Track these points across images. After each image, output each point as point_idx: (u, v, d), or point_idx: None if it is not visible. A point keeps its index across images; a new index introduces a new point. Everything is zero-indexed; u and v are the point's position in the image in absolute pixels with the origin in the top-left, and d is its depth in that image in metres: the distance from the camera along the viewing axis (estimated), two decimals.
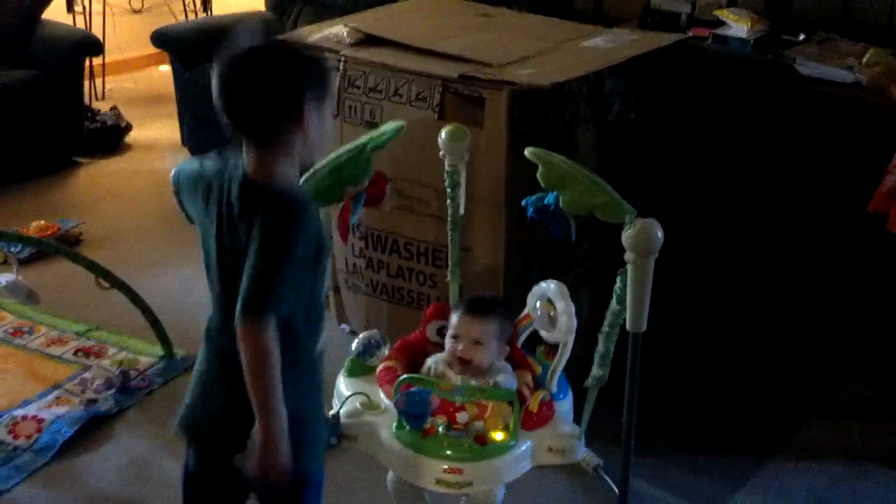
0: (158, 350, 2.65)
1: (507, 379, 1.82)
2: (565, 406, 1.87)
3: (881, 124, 2.50)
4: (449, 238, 2.12)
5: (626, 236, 1.67)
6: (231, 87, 1.45)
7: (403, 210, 2.41)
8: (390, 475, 1.91)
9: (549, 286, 1.86)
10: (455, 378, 1.83)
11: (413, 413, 1.71)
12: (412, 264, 2.47)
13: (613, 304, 1.72)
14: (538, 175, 1.78)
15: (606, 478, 2.11)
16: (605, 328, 1.75)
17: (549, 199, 1.81)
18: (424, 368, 1.88)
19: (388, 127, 1.98)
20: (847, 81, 2.64)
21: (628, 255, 1.68)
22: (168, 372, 2.60)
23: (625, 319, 1.72)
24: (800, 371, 2.58)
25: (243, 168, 1.48)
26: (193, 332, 2.74)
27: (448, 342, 1.85)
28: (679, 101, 2.59)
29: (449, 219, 2.10)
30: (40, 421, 2.37)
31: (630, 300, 1.71)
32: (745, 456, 2.27)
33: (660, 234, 1.67)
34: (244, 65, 1.44)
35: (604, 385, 1.80)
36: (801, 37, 2.89)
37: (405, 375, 1.79)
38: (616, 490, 2.02)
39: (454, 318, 1.86)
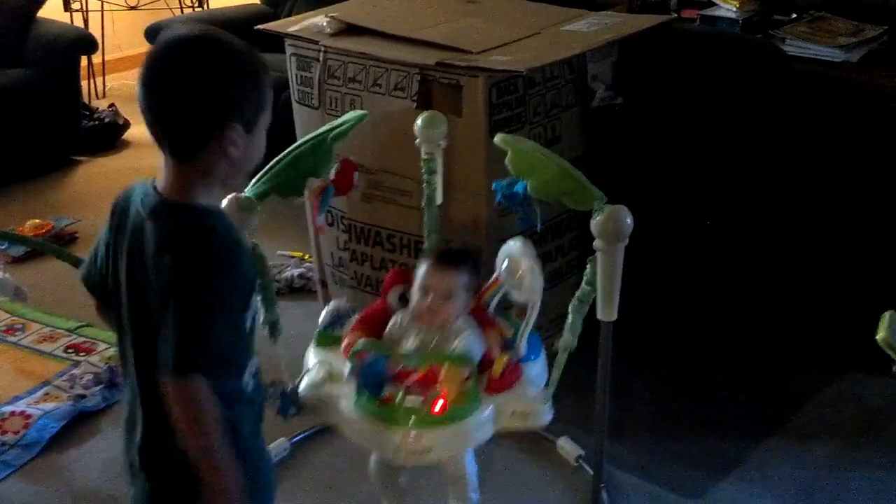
0: None
1: (473, 338, 1.78)
2: (535, 369, 1.82)
3: (869, 104, 2.46)
4: (424, 221, 2.10)
5: (595, 223, 1.66)
6: (145, 85, 1.23)
7: (385, 202, 2.40)
8: (371, 463, 1.89)
9: (514, 244, 1.81)
10: (418, 336, 1.79)
11: (370, 380, 1.69)
12: (395, 256, 2.45)
13: (584, 285, 1.70)
14: (507, 161, 1.77)
15: (587, 468, 2.09)
16: (574, 301, 1.72)
17: (519, 186, 1.79)
18: (387, 330, 1.84)
19: (350, 116, 1.96)
20: (837, 60, 2.60)
21: (597, 243, 1.66)
22: None
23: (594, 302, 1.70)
24: (788, 359, 2.54)
25: (153, 186, 1.27)
26: None
27: (416, 295, 1.82)
28: (665, 85, 2.55)
29: (424, 203, 2.09)
30: (28, 417, 2.37)
31: (600, 288, 1.69)
32: (730, 444, 2.24)
33: (629, 220, 1.65)
34: (161, 58, 1.23)
35: (572, 351, 1.76)
36: (794, 16, 2.85)
37: (360, 341, 1.76)
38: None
39: (422, 270, 1.82)
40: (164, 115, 1.23)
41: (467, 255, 1.88)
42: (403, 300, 1.90)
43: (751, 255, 2.62)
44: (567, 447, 2.15)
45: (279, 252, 3.04)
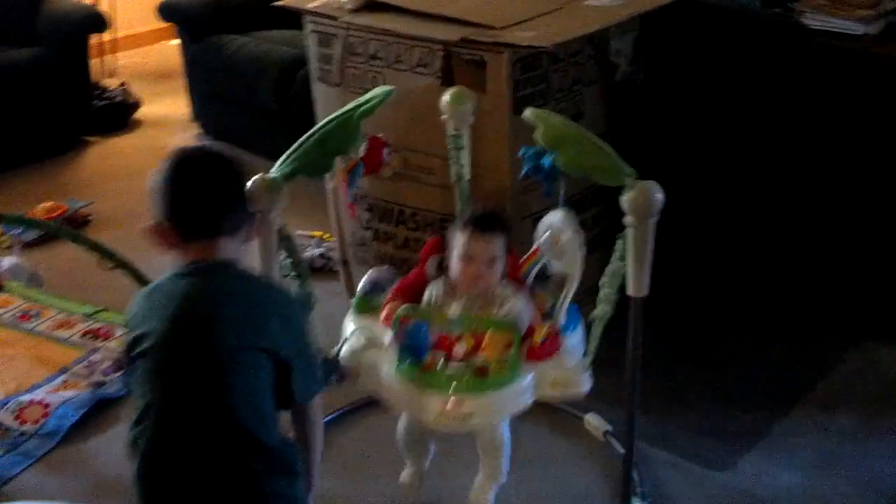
0: None
1: (522, 305, 1.77)
2: (574, 339, 1.82)
3: (890, 76, 2.41)
4: (456, 197, 2.07)
5: (625, 199, 1.63)
6: (189, 188, 1.59)
7: (409, 180, 2.35)
8: (400, 427, 1.87)
9: (556, 215, 1.81)
10: (458, 308, 1.79)
11: (412, 346, 1.68)
12: (419, 235, 2.41)
13: (615, 260, 1.68)
14: (536, 135, 1.73)
15: (615, 443, 2.07)
16: (605, 276, 1.71)
17: (546, 159, 1.75)
18: (424, 299, 1.83)
19: (377, 92, 1.92)
20: (857, 33, 2.56)
21: (627, 219, 1.64)
22: None
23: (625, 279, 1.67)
24: (809, 330, 2.53)
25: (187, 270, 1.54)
26: None
27: (458, 263, 1.80)
28: (687, 59, 2.50)
29: (453, 179, 2.05)
30: (47, 405, 2.34)
31: (630, 264, 1.67)
32: (755, 416, 2.24)
33: (659, 196, 1.62)
34: (200, 168, 1.61)
35: (608, 320, 1.75)
36: None
37: (402, 307, 1.75)
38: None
39: (462, 238, 1.80)
40: (216, 206, 1.56)
41: (501, 218, 1.86)
42: (440, 269, 1.88)
43: (773, 228, 2.58)
44: (595, 422, 2.14)
45: (299, 232, 2.99)
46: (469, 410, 1.65)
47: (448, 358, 1.68)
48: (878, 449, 2.12)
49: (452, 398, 1.64)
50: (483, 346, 1.69)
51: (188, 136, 4.09)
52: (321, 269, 2.88)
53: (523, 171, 1.86)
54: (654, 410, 2.20)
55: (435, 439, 1.91)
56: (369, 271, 1.98)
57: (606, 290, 1.74)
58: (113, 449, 2.21)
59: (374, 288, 1.93)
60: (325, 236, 3.00)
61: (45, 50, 3.83)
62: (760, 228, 2.60)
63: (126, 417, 2.30)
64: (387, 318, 1.80)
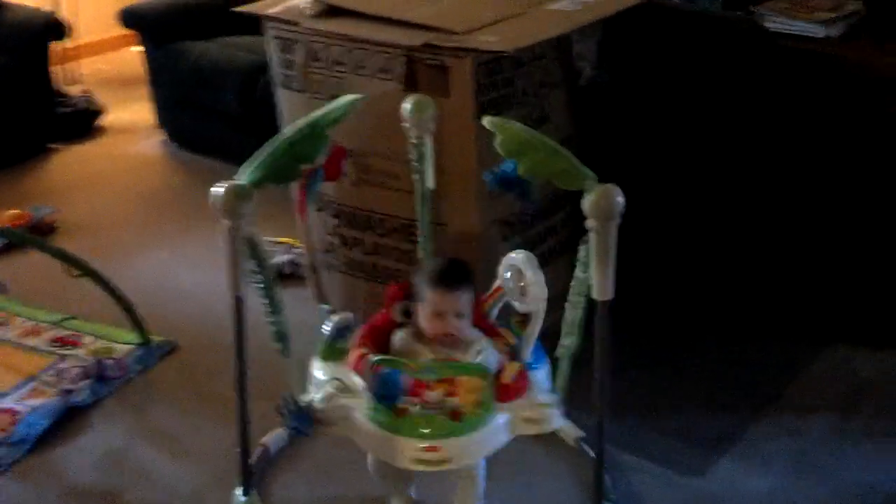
0: (135, 337, 2.62)
1: (491, 350, 1.81)
2: (541, 375, 1.85)
3: (851, 78, 2.47)
4: (418, 212, 2.09)
5: (586, 202, 1.65)
6: None
7: (374, 186, 2.37)
8: (370, 457, 1.89)
9: (517, 256, 1.84)
10: (429, 355, 1.81)
11: (386, 394, 1.70)
12: (387, 240, 2.43)
13: (578, 272, 1.70)
14: (496, 144, 1.75)
15: (587, 449, 2.08)
16: (571, 297, 1.73)
17: (507, 166, 1.78)
18: (394, 346, 1.86)
19: (345, 100, 1.93)
20: (819, 36, 2.60)
21: (590, 222, 1.66)
22: (145, 359, 2.57)
23: (590, 287, 1.69)
24: (780, 334, 2.55)
25: None
26: (171, 318, 2.75)
27: (429, 319, 1.82)
28: (650, 63, 2.54)
29: (417, 193, 2.07)
30: (15, 413, 2.33)
31: (594, 268, 1.68)
32: (726, 421, 2.25)
33: (620, 199, 1.64)
34: None
35: (577, 352, 1.78)
36: None
37: (376, 357, 1.76)
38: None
39: (430, 295, 1.82)
40: None
41: (467, 270, 1.89)
42: (406, 314, 1.90)
43: (740, 231, 2.62)
44: (566, 429, 2.14)
45: (267, 238, 2.99)
46: (445, 455, 1.68)
47: (422, 403, 1.70)
48: (851, 453, 2.14)
49: (428, 443, 1.67)
50: (457, 390, 1.71)
51: (153, 142, 4.08)
52: (291, 275, 2.90)
53: (489, 187, 1.88)
54: (627, 416, 2.23)
55: (413, 482, 1.94)
56: (333, 318, 1.98)
57: (569, 319, 1.77)
58: (83, 457, 2.22)
59: (340, 334, 1.94)
60: (293, 242, 3.01)
61: (5, 58, 3.80)
62: (731, 231, 2.63)
63: (97, 424, 2.33)
64: (355, 364, 1.81)
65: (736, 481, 2.07)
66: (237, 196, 1.68)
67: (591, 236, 1.66)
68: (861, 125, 2.48)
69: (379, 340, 1.87)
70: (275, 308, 1.87)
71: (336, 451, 2.15)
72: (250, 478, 1.90)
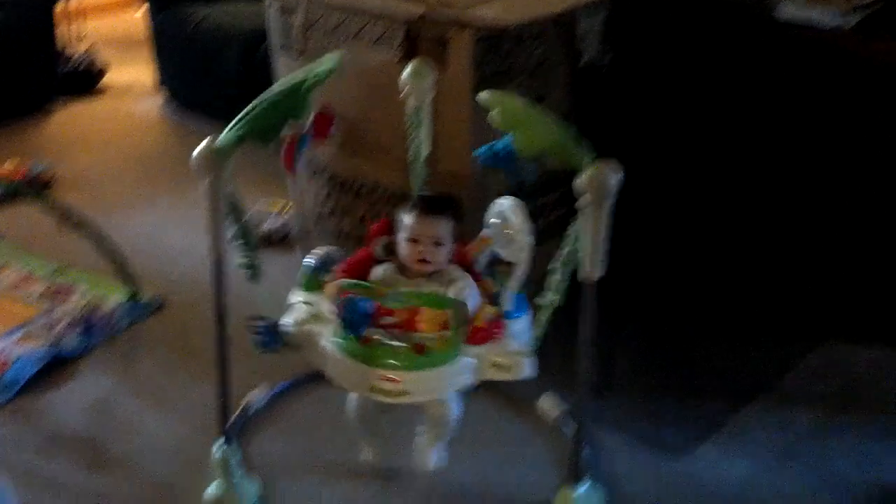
0: (125, 292, 2.65)
1: (471, 290, 1.80)
2: (520, 325, 1.84)
3: (866, 68, 2.42)
4: (412, 182, 2.11)
5: (581, 179, 1.64)
6: None
7: (367, 155, 2.39)
8: (349, 405, 1.91)
9: (505, 202, 1.83)
10: (409, 284, 1.82)
11: (351, 320, 1.70)
12: (378, 210, 2.44)
13: (569, 245, 1.71)
14: (490, 117, 1.76)
15: (567, 427, 2.11)
16: (558, 260, 1.74)
17: (500, 144, 1.79)
18: (371, 279, 1.86)
19: (327, 60, 1.93)
20: (832, 24, 2.54)
21: (583, 200, 1.65)
22: (134, 314, 2.60)
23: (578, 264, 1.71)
24: (773, 326, 2.56)
25: None
26: (161, 276, 2.78)
27: (405, 246, 1.83)
28: (656, 44, 2.52)
29: (410, 160, 2.08)
30: (5, 358, 2.37)
31: (584, 247, 1.68)
32: (712, 408, 2.26)
33: (616, 177, 1.64)
34: None
35: (558, 307, 1.78)
36: None
37: (343, 281, 1.78)
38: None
39: (408, 220, 1.84)
40: None
41: (451, 201, 1.90)
42: (388, 250, 1.91)
43: (737, 221, 2.62)
44: (547, 405, 2.17)
45: (257, 205, 3.03)
46: (405, 387, 1.68)
47: (385, 332, 1.70)
48: (837, 447, 2.13)
49: (387, 373, 1.67)
50: (417, 321, 1.70)
51: (154, 103, 4.10)
52: (279, 242, 2.93)
53: (481, 163, 1.88)
54: (611, 396, 2.24)
55: (386, 416, 1.94)
56: (318, 248, 2.00)
57: (555, 277, 1.77)
58: (69, 405, 2.25)
59: (323, 265, 1.95)
60: (283, 210, 3.04)
61: (10, 15, 3.82)
62: (728, 219, 2.62)
63: (84, 373, 2.36)
64: (331, 291, 1.81)
65: (719, 465, 2.07)
66: (215, 154, 1.68)
67: (584, 213, 1.65)
68: (874, 117, 2.43)
69: (358, 273, 1.86)
70: (248, 248, 1.88)
71: (316, 410, 2.19)
72: (230, 431, 1.94)
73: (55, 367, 2.37)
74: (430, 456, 1.92)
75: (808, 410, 2.26)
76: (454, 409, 1.85)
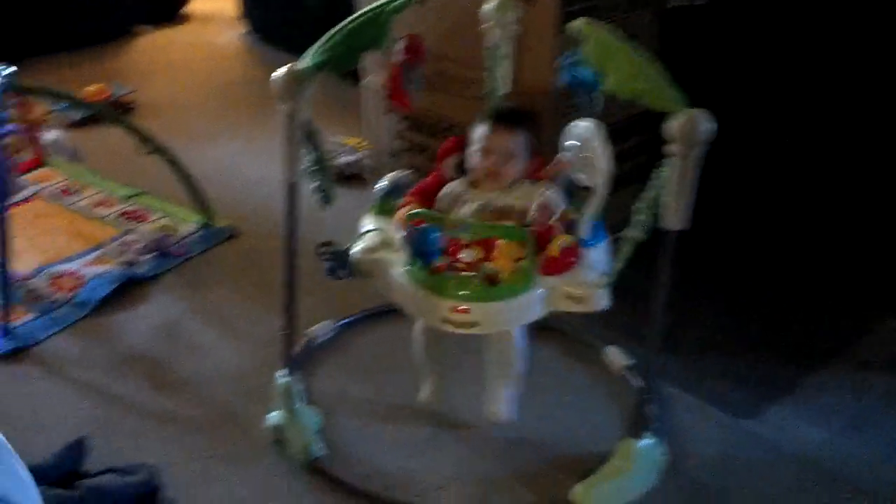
0: (199, 219, 2.67)
1: (553, 192, 1.75)
2: (596, 255, 1.77)
3: None
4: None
5: (671, 126, 1.58)
6: None
7: (446, 91, 2.35)
8: (414, 335, 1.88)
9: (584, 125, 1.75)
10: (476, 199, 1.79)
11: (421, 250, 1.67)
12: None
13: (653, 188, 1.65)
14: (583, 52, 1.68)
15: (633, 378, 2.07)
16: (643, 202, 1.67)
17: (588, 74, 1.72)
18: (442, 194, 1.82)
19: None
20: None
21: (671, 147, 1.59)
22: (207, 241, 2.63)
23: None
24: (854, 290, 2.46)
25: None
26: (236, 205, 2.80)
27: (476, 159, 1.80)
28: None
29: (487, 92, 2.03)
30: (80, 277, 2.42)
31: (668, 195, 1.61)
32: (785, 370, 2.18)
33: (708, 126, 1.58)
34: None
35: (638, 244, 1.69)
36: None
37: (414, 210, 1.75)
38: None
39: (480, 130, 1.80)
40: None
41: (525, 114, 1.84)
42: (459, 169, 1.86)
43: (826, 180, 2.51)
44: (615, 356, 2.13)
45: (333, 139, 3.02)
46: (474, 318, 1.64)
47: (456, 263, 1.67)
48: None
49: (458, 304, 1.64)
50: (494, 254, 1.67)
51: (235, 33, 4.11)
52: (352, 177, 2.92)
53: (561, 80, 1.81)
54: (681, 351, 2.18)
55: (451, 357, 1.92)
56: (390, 174, 1.97)
57: (640, 217, 1.70)
58: (139, 324, 2.29)
59: (394, 190, 1.92)
60: (358, 144, 3.02)
61: None
62: (816, 177, 2.51)
63: (155, 295, 2.40)
64: (400, 219, 1.79)
65: (787, 428, 2.01)
66: (295, 79, 1.66)
67: (671, 161, 1.59)
68: None
69: (430, 198, 1.83)
70: (322, 174, 1.86)
71: (381, 348, 2.18)
72: (294, 361, 1.95)
73: (127, 289, 2.41)
74: (500, 407, 1.87)
75: (883, 377, 2.17)
76: (519, 349, 1.81)
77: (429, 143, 2.46)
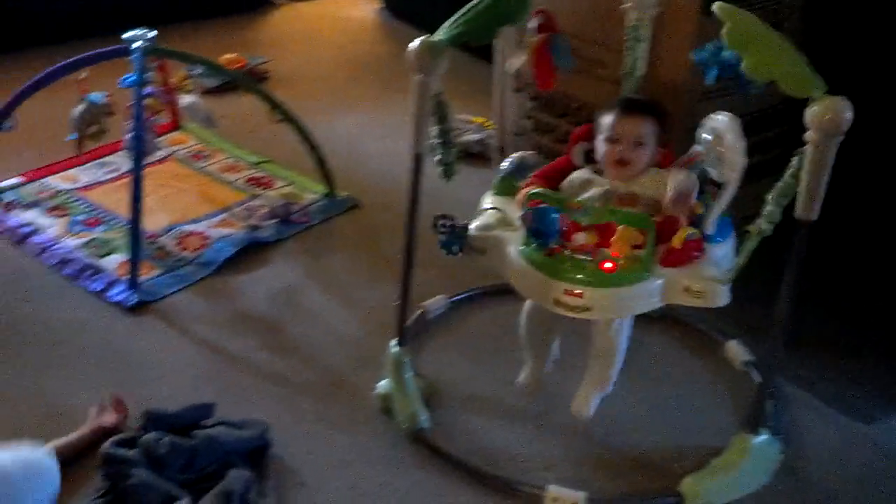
0: (322, 189, 2.71)
1: (685, 174, 1.70)
2: (721, 250, 1.71)
3: None
4: (623, 90, 2.01)
5: (810, 112, 1.52)
6: None
7: (579, 72, 2.29)
8: (522, 317, 1.86)
9: (720, 118, 1.69)
10: (603, 186, 1.75)
11: (539, 230, 1.65)
12: None
13: (787, 178, 1.58)
14: (723, 33, 1.62)
15: (753, 373, 2.00)
16: (774, 192, 1.60)
17: (729, 55, 1.65)
18: (564, 184, 1.79)
19: None
20: None
21: (809, 134, 1.53)
22: (328, 211, 2.66)
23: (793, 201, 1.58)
24: None
25: None
26: (359, 177, 2.83)
27: (603, 147, 1.76)
28: None
29: (624, 71, 1.98)
30: (206, 238, 2.48)
31: (804, 183, 1.56)
32: None
33: (848, 114, 1.51)
34: None
35: (766, 236, 1.63)
36: None
37: (534, 190, 1.72)
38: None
39: (608, 119, 1.77)
40: None
41: (654, 104, 1.80)
42: (588, 158, 1.83)
43: None
44: (735, 350, 2.06)
45: (460, 116, 3.01)
46: (586, 303, 1.61)
47: (572, 246, 1.64)
48: None
49: (572, 287, 1.61)
50: (612, 240, 1.64)
51: (370, 8, 4.15)
52: (476, 155, 2.90)
53: (711, 75, 1.74)
54: (801, 349, 2.09)
55: (558, 339, 1.89)
56: (515, 154, 1.95)
57: (770, 207, 1.64)
58: (258, 288, 2.34)
59: (517, 171, 1.90)
60: (485, 123, 3.00)
61: None
62: None
63: (276, 260, 2.44)
64: (521, 198, 1.77)
65: None
66: (430, 51, 1.66)
67: (808, 149, 1.54)
68: None
69: (553, 181, 1.81)
70: (445, 147, 1.85)
71: (490, 327, 2.17)
72: (406, 332, 1.95)
73: (249, 252, 2.46)
74: (586, 404, 1.82)
75: None
76: (622, 344, 1.76)
77: (556, 124, 2.42)
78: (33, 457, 1.65)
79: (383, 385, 1.92)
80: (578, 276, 1.61)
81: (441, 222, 1.71)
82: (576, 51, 2.26)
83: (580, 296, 1.60)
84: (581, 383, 1.81)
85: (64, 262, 2.37)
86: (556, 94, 2.39)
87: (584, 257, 1.63)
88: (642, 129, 1.75)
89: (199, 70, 3.23)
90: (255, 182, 2.79)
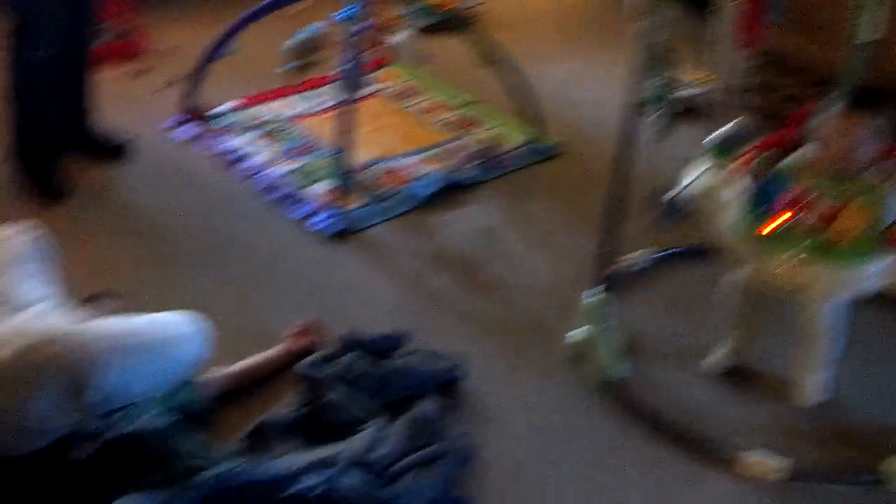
0: (527, 134, 2.68)
1: (890, 194, 1.58)
2: None
3: None
4: (851, 63, 1.86)
5: None
6: None
7: (811, 32, 2.15)
8: (729, 281, 1.77)
9: None
10: (822, 175, 1.64)
11: (766, 194, 1.58)
12: (808, 92, 2.21)
13: None
14: None
15: None
16: None
17: None
18: (790, 160, 1.69)
19: None
20: None
21: None
22: (533, 155, 2.63)
23: None
24: None
25: None
26: (568, 124, 2.78)
27: (827, 140, 1.65)
28: None
29: (856, 41, 1.83)
30: (409, 174, 2.51)
31: None
32: None
33: None
34: None
35: None
36: None
37: (770, 153, 1.64)
38: None
39: (834, 111, 1.65)
40: None
41: (884, 96, 1.65)
42: (809, 139, 1.71)
43: None
44: None
45: (679, 72, 2.88)
46: (806, 279, 1.54)
47: (796, 220, 1.57)
48: None
49: (790, 262, 1.53)
50: (841, 216, 1.55)
51: None
52: (688, 111, 2.77)
53: None
54: None
55: (762, 319, 1.80)
56: (734, 120, 1.87)
57: None
58: (457, 227, 2.34)
59: (735, 137, 1.82)
60: (701, 79, 2.87)
61: None
62: None
63: (473, 202, 2.44)
64: (746, 163, 1.69)
65: None
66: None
67: None
68: None
69: (779, 153, 1.71)
70: (663, 110, 1.77)
71: (694, 291, 2.08)
72: (609, 281, 1.91)
73: (448, 191, 2.47)
74: (808, 388, 1.73)
75: None
76: (828, 329, 1.66)
77: (780, 84, 2.28)
78: (171, 320, 1.68)
79: (579, 333, 1.88)
80: (799, 252, 1.54)
81: (654, 196, 1.67)
82: (808, 10, 2.13)
83: (797, 272, 1.53)
84: (793, 369, 1.74)
85: (270, 188, 2.45)
86: (785, 54, 2.24)
87: (807, 232, 1.55)
88: (862, 127, 1.61)
89: (412, 9, 3.24)
90: (461, 123, 2.79)
